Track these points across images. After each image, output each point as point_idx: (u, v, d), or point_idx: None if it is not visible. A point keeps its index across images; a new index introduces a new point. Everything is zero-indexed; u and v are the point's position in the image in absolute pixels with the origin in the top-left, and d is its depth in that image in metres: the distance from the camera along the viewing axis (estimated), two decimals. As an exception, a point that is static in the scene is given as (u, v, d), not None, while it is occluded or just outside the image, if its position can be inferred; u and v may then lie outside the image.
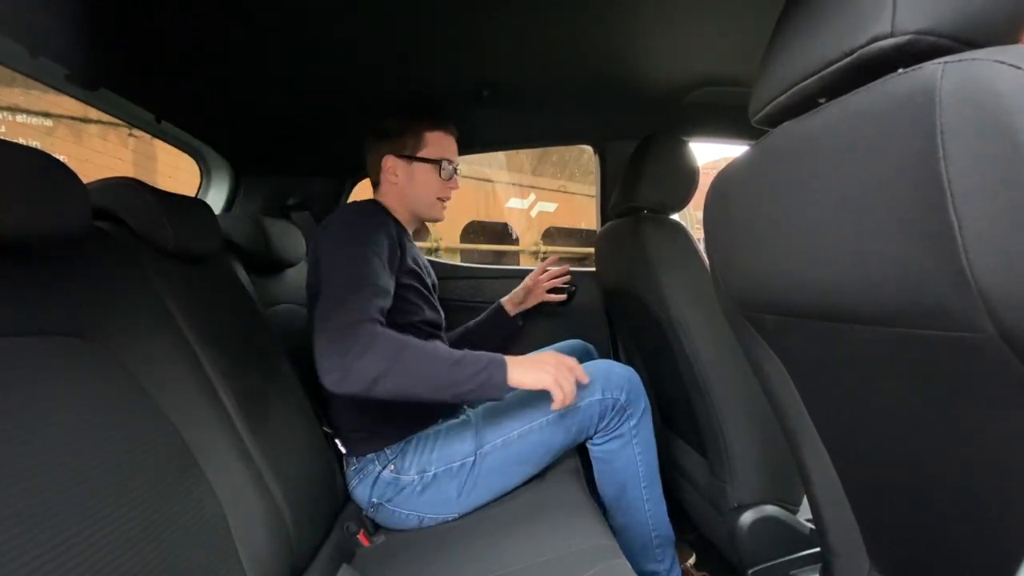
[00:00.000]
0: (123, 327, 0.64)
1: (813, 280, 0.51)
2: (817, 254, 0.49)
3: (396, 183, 1.15)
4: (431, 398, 0.86)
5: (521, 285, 1.46)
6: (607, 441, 1.04)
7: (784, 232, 0.54)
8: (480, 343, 1.23)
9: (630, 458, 1.04)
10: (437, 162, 1.15)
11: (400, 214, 1.17)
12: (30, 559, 0.44)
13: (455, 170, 1.19)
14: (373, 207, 1.12)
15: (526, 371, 0.89)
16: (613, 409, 1.02)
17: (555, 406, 0.89)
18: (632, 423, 1.03)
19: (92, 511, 0.51)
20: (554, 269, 1.50)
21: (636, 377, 1.05)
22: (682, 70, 1.26)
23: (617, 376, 1.03)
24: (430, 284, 1.19)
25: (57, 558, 0.46)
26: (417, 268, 1.12)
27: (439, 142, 1.16)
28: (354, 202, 1.16)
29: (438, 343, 0.93)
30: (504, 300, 1.45)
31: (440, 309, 1.20)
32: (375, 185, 1.20)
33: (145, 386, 0.63)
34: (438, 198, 1.17)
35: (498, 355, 0.91)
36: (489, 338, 1.39)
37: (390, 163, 1.14)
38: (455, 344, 1.36)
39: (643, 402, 1.05)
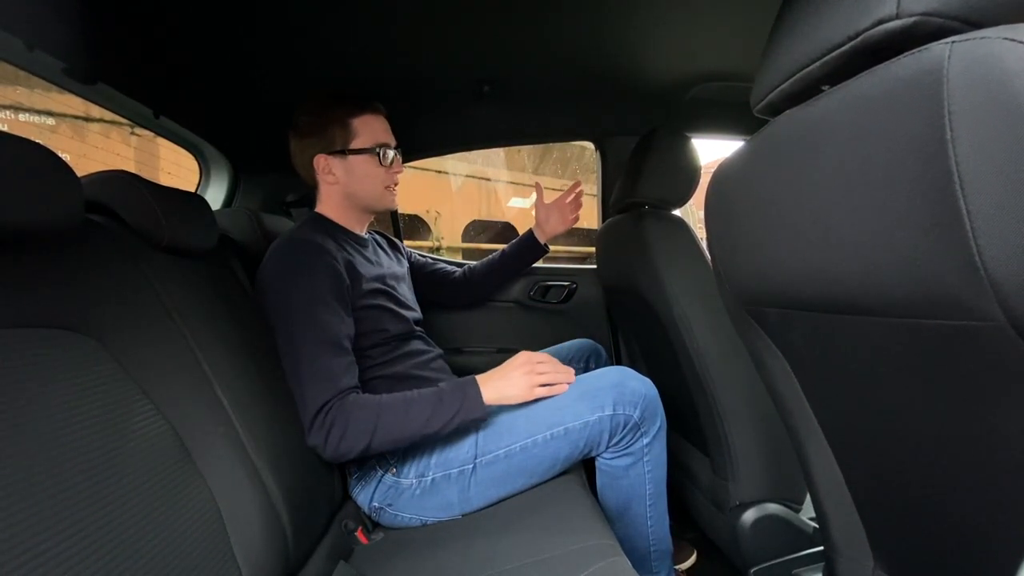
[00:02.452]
0: (116, 321, 0.63)
1: (817, 271, 0.50)
2: (821, 244, 0.48)
3: (336, 183, 1.06)
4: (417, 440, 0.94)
5: (545, 205, 1.42)
6: (616, 458, 0.98)
7: (786, 222, 0.53)
8: (509, 267, 1.44)
9: (638, 476, 0.98)
10: (374, 150, 1.05)
11: (348, 217, 1.10)
12: (18, 552, 0.43)
13: (396, 153, 1.09)
14: (310, 236, 0.99)
15: (500, 391, 0.95)
16: (625, 427, 0.95)
17: (552, 392, 0.97)
18: (645, 441, 0.96)
19: (83, 506, 0.50)
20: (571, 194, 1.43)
21: (653, 391, 0.98)
22: (684, 65, 1.25)
23: (631, 391, 0.95)
24: (397, 287, 1.13)
25: (45, 552, 0.45)
26: (377, 283, 1.06)
27: (368, 126, 1.05)
28: (293, 234, 1.01)
29: (410, 394, 0.93)
30: (534, 228, 1.44)
31: (411, 309, 1.16)
32: (313, 189, 1.11)
33: (139, 381, 0.63)
34: (385, 187, 1.09)
35: (469, 384, 0.95)
36: (517, 264, 1.46)
37: (323, 162, 1.05)
38: (486, 272, 1.46)
39: (659, 420, 0.98)
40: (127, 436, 0.58)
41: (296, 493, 0.81)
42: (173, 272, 0.78)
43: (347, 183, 1.07)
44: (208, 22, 0.91)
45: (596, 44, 1.13)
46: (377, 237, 1.26)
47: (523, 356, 0.99)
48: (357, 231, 1.13)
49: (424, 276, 1.39)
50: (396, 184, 1.11)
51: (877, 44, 0.42)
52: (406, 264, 1.30)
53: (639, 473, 0.98)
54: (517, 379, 0.96)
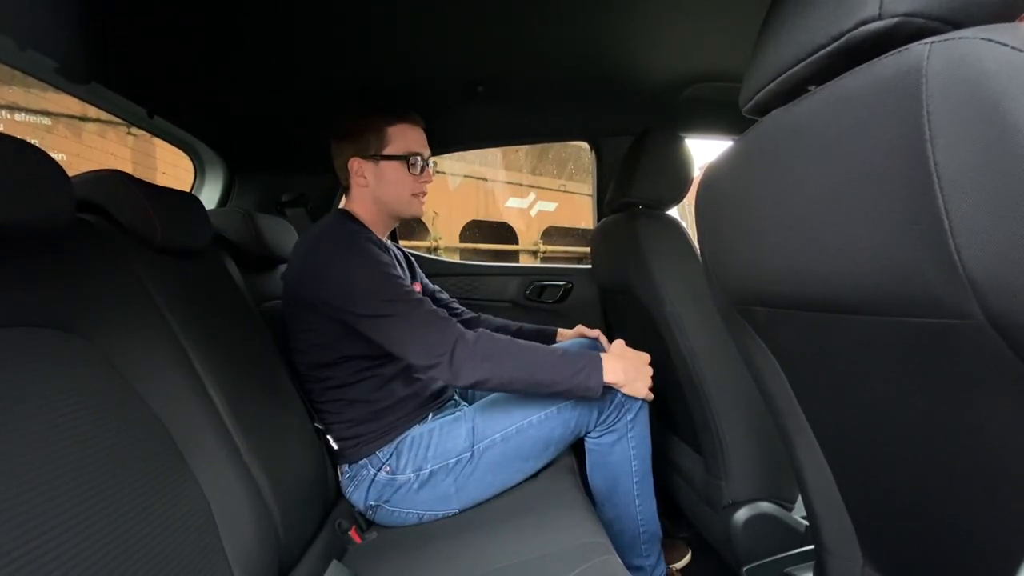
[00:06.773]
0: (108, 321, 0.63)
1: (802, 271, 0.50)
2: (805, 244, 0.49)
3: (366, 186, 1.10)
4: (529, 392, 0.95)
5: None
6: (603, 435, 1.04)
7: (772, 222, 0.53)
8: None
9: (624, 452, 1.04)
10: (405, 158, 1.10)
11: (374, 220, 1.13)
12: (8, 550, 0.43)
13: (427, 163, 1.13)
14: (347, 225, 1.06)
15: (622, 374, 0.97)
16: (611, 405, 1.02)
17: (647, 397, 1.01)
18: (629, 418, 1.03)
19: (74, 506, 0.50)
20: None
21: None
22: (679, 65, 1.25)
23: None
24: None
25: (36, 549, 0.45)
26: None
27: (403, 135, 1.11)
28: (327, 228, 1.05)
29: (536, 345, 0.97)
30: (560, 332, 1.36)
31: None
32: (346, 190, 1.15)
33: (131, 380, 0.63)
34: (413, 194, 1.12)
35: (595, 356, 0.97)
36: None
37: (356, 165, 1.10)
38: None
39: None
40: (118, 435, 0.58)
41: (289, 492, 0.81)
42: (166, 271, 0.78)
43: (376, 187, 1.10)
44: (202, 21, 0.90)
45: (590, 44, 1.13)
46: (396, 252, 1.27)
47: (646, 356, 1.02)
48: (380, 236, 1.14)
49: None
50: (424, 193, 1.14)
51: (860, 44, 0.42)
52: (418, 285, 1.31)
53: (624, 449, 1.04)
54: (644, 374, 1.00)
